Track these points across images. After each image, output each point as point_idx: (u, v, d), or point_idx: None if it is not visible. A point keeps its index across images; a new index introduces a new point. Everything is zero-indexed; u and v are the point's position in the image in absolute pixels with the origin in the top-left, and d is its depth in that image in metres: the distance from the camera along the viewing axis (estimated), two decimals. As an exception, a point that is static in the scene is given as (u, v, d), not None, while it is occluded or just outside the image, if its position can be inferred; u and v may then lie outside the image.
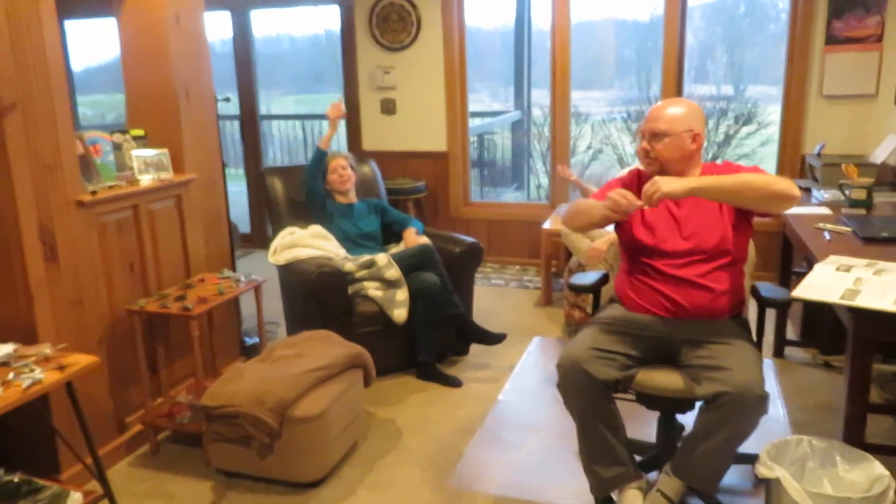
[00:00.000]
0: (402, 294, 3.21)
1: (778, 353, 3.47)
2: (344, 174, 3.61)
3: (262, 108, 10.00)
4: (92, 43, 7.15)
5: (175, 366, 2.98)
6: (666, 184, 2.01)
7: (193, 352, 2.63)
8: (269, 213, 3.67)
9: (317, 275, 3.06)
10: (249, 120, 5.92)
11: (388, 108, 5.16)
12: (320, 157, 3.50)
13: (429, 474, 2.57)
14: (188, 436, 2.75)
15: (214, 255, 3.25)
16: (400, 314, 3.18)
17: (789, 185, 2.04)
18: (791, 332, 3.62)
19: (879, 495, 1.82)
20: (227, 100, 3.60)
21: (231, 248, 3.46)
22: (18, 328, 2.33)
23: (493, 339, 3.38)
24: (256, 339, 3.51)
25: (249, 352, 3.48)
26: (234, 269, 3.49)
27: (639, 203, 2.08)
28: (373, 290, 3.22)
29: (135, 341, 2.69)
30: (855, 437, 2.07)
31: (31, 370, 2.01)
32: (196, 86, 3.09)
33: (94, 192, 2.59)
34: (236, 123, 6.17)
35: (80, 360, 2.10)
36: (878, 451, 2.05)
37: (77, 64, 7.51)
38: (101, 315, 2.63)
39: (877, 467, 1.94)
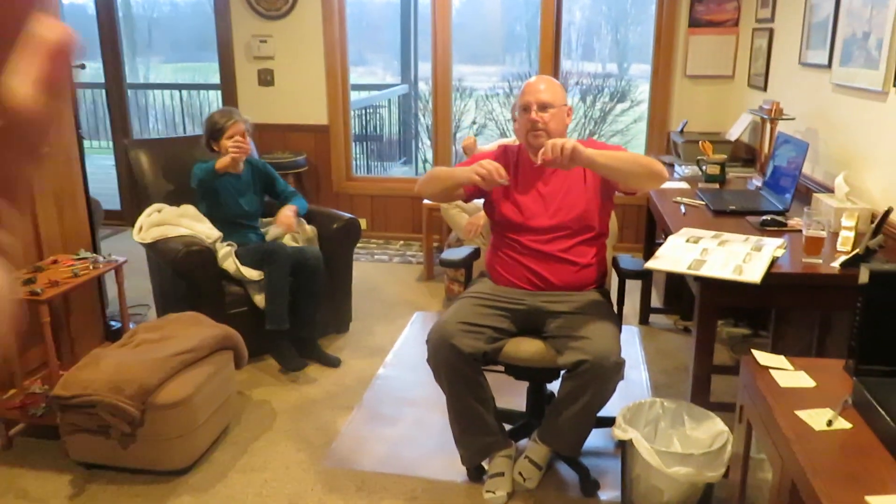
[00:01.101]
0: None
1: (643, 320, 3.67)
2: (242, 144, 3.11)
3: (140, 76, 9.40)
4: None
5: (28, 354, 2.78)
6: (573, 142, 2.01)
7: (45, 339, 2.46)
8: (135, 189, 3.47)
9: (184, 254, 2.93)
10: (115, 88, 5.54)
11: (266, 79, 4.98)
12: (214, 177, 3.11)
13: (303, 454, 2.54)
14: (44, 428, 2.58)
15: (71, 235, 3.03)
16: (261, 299, 3.11)
17: (662, 167, 2.20)
18: (656, 300, 3.83)
19: (719, 450, 1.97)
20: (82, 66, 3.34)
21: (91, 226, 3.25)
22: None
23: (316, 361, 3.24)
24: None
25: (115, 337, 3.29)
26: (95, 249, 3.28)
27: (505, 181, 2.14)
28: (228, 260, 3.11)
29: (-22, 329, 2.48)
30: (701, 396, 2.22)
31: None
32: (44, 51, 2.85)
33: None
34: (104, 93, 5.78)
35: None
36: (723, 408, 2.21)
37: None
38: (-65, 302, 2.40)
39: (718, 424, 2.09)
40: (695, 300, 2.25)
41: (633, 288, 3.37)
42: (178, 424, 2.33)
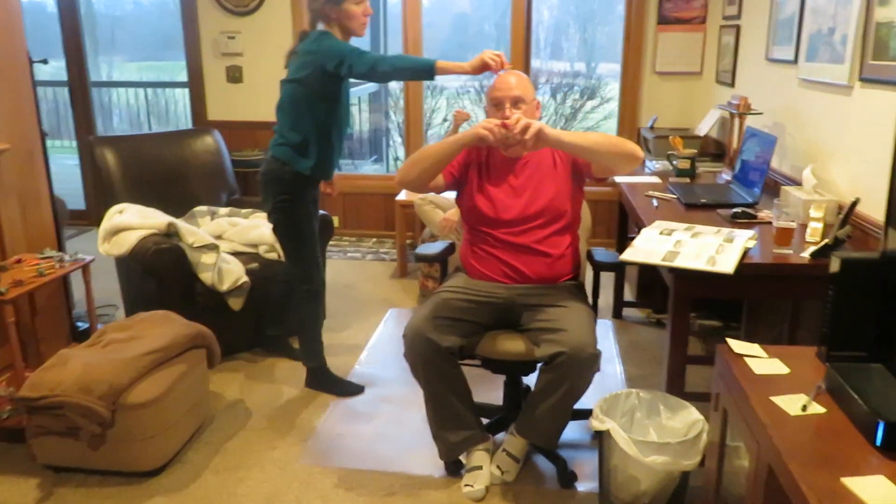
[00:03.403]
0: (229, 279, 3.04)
1: (616, 314, 3.70)
2: (369, 12, 2.61)
3: (103, 75, 9.25)
4: None
5: (-9, 356, 2.70)
6: (541, 125, 2.03)
7: (10, 340, 2.39)
8: (101, 188, 3.39)
9: (153, 252, 2.87)
10: (79, 86, 5.42)
11: (234, 75, 4.91)
12: (428, 77, 2.52)
13: (279, 452, 2.51)
14: (9, 432, 2.51)
15: (35, 234, 2.95)
16: (235, 302, 3.06)
17: (636, 147, 2.17)
18: (629, 294, 3.87)
19: (694, 438, 1.99)
20: (45, 62, 3.26)
21: (56, 226, 3.17)
22: None
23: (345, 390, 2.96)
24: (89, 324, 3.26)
25: (82, 338, 3.21)
26: (61, 248, 3.20)
27: (509, 133, 2.07)
28: (206, 273, 3.01)
29: (-62, 331, 2.41)
30: (676, 386, 2.25)
31: None
32: (4, 44, 2.77)
33: None
34: (67, 91, 5.65)
35: None
36: (697, 398, 2.23)
37: None
38: None
39: (693, 413, 2.12)
40: (668, 292, 2.28)
41: (607, 282, 3.38)
42: (150, 424, 2.28)
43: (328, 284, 3.55)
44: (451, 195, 3.82)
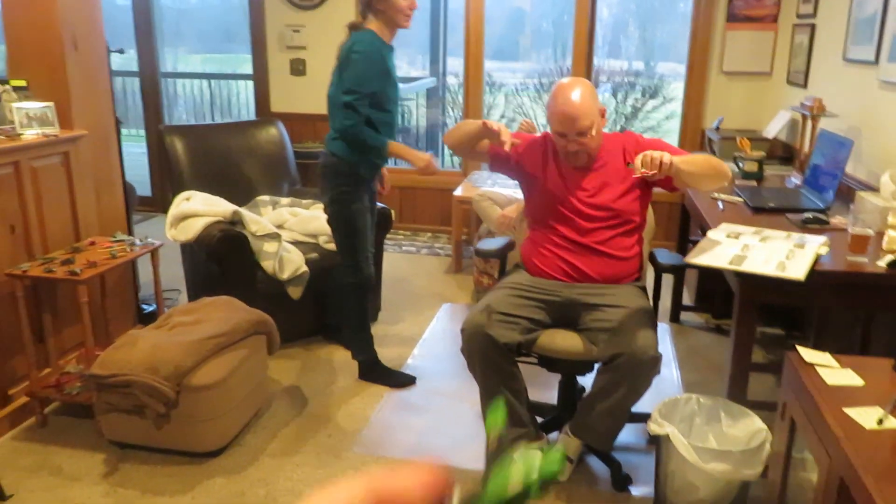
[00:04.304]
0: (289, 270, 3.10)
1: (674, 317, 3.63)
2: (414, 6, 2.65)
3: (168, 66, 9.56)
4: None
5: (63, 334, 2.81)
6: (669, 156, 2.05)
7: (83, 319, 2.49)
8: (169, 175, 3.49)
9: (218, 239, 2.94)
10: (150, 76, 5.60)
11: (298, 68, 5.00)
12: (379, 155, 2.71)
13: (334, 440, 2.55)
14: (78, 407, 2.62)
15: (107, 218, 3.07)
16: (294, 291, 3.11)
17: (728, 169, 2.25)
18: (687, 298, 3.79)
19: (757, 448, 1.94)
20: (121, 51, 3.37)
21: (127, 210, 3.28)
22: None
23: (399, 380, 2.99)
24: (154, 307, 3.37)
25: (147, 320, 3.33)
26: (130, 232, 3.32)
27: (506, 144, 2.19)
28: (268, 261, 3.06)
29: (17, 308, 2.52)
30: (738, 394, 2.19)
31: None
32: (86, 34, 2.88)
33: (-33, 147, 2.39)
34: (136, 81, 5.83)
35: (-48, 328, 1.95)
36: (758, 407, 2.18)
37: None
38: (-23, 280, 2.44)
39: (756, 422, 2.06)
40: (732, 297, 2.22)
41: (665, 285, 3.32)
42: (212, 407, 2.35)
43: (383, 277, 3.61)
44: (507, 191, 3.82)
